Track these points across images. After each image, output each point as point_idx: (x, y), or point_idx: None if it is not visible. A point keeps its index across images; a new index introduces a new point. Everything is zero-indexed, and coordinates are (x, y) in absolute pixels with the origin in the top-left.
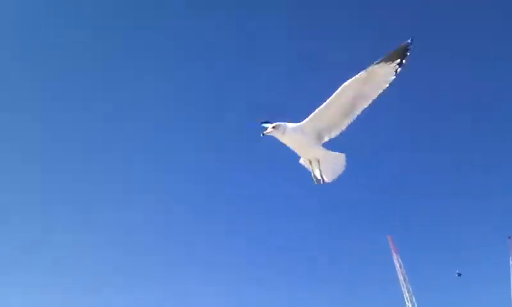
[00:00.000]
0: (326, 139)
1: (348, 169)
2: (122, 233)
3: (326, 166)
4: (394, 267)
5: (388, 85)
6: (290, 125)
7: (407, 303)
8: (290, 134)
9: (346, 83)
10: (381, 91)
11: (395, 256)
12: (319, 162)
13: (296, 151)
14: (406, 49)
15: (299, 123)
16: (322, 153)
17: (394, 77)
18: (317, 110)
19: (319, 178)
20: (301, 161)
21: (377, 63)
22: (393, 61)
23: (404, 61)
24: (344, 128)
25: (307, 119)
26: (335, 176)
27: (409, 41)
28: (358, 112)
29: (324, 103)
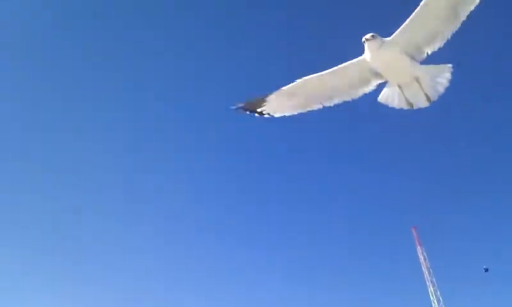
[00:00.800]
0: (427, 54)
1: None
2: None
3: (429, 83)
4: (418, 260)
5: None
6: (385, 39)
7: (431, 298)
8: (388, 50)
9: None
10: None
11: (419, 249)
12: (418, 81)
13: (386, 74)
14: None
15: (390, 38)
16: (423, 69)
17: None
18: (410, 18)
19: (417, 100)
20: (381, 98)
21: None
22: None
23: None
24: (449, 35)
25: (397, 31)
26: (441, 91)
27: None
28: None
29: (420, 6)
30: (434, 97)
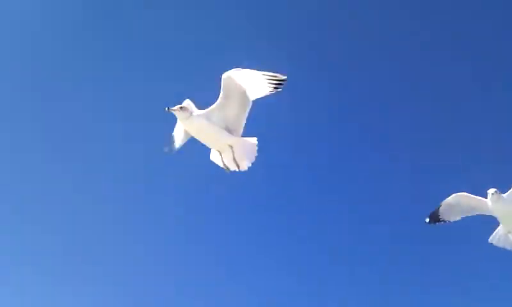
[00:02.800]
0: (237, 132)
1: None
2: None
3: (240, 153)
4: None
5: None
6: (197, 110)
7: None
8: (197, 120)
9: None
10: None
11: None
12: (232, 149)
13: (203, 141)
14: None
15: (204, 110)
16: (233, 140)
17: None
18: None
19: (232, 166)
20: (211, 157)
21: None
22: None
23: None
24: (243, 122)
25: (212, 106)
26: (249, 163)
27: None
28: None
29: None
30: (244, 166)
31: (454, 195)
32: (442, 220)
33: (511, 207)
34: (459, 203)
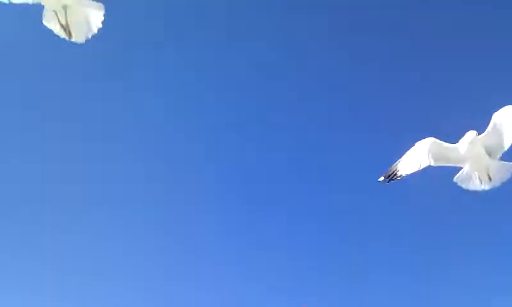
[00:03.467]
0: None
1: None
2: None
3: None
4: None
5: None
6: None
7: None
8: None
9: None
10: None
11: None
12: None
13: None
14: None
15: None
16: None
17: None
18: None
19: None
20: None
21: None
22: None
23: None
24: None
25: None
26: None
27: None
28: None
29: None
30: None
31: (423, 141)
32: (400, 176)
33: (491, 142)
34: (429, 150)
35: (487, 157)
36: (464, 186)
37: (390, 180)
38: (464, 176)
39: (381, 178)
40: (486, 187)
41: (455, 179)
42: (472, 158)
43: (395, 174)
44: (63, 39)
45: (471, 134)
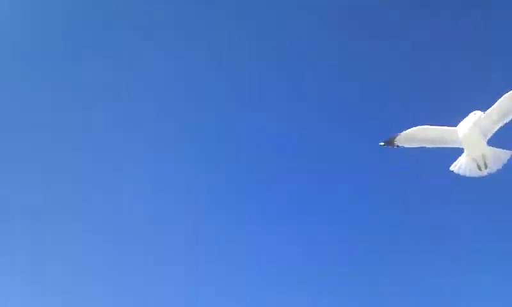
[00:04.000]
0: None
1: None
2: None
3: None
4: None
5: None
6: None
7: None
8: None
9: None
10: None
11: None
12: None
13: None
14: None
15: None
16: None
17: None
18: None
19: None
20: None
21: None
22: None
23: None
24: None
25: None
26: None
27: None
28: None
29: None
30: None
31: (417, 128)
32: (396, 146)
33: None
34: (422, 133)
35: (484, 143)
36: (461, 173)
37: (388, 145)
38: (461, 164)
39: (382, 143)
40: (483, 173)
41: (451, 168)
42: (468, 144)
43: (394, 142)
44: None
45: (476, 115)
